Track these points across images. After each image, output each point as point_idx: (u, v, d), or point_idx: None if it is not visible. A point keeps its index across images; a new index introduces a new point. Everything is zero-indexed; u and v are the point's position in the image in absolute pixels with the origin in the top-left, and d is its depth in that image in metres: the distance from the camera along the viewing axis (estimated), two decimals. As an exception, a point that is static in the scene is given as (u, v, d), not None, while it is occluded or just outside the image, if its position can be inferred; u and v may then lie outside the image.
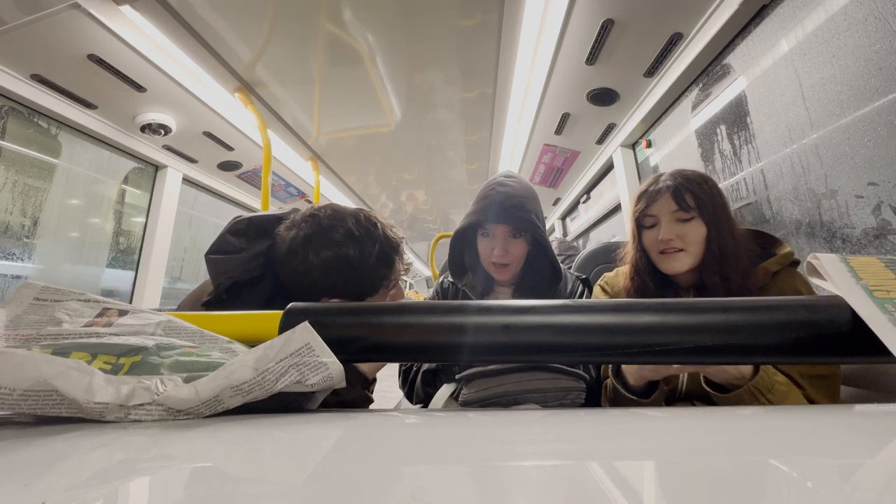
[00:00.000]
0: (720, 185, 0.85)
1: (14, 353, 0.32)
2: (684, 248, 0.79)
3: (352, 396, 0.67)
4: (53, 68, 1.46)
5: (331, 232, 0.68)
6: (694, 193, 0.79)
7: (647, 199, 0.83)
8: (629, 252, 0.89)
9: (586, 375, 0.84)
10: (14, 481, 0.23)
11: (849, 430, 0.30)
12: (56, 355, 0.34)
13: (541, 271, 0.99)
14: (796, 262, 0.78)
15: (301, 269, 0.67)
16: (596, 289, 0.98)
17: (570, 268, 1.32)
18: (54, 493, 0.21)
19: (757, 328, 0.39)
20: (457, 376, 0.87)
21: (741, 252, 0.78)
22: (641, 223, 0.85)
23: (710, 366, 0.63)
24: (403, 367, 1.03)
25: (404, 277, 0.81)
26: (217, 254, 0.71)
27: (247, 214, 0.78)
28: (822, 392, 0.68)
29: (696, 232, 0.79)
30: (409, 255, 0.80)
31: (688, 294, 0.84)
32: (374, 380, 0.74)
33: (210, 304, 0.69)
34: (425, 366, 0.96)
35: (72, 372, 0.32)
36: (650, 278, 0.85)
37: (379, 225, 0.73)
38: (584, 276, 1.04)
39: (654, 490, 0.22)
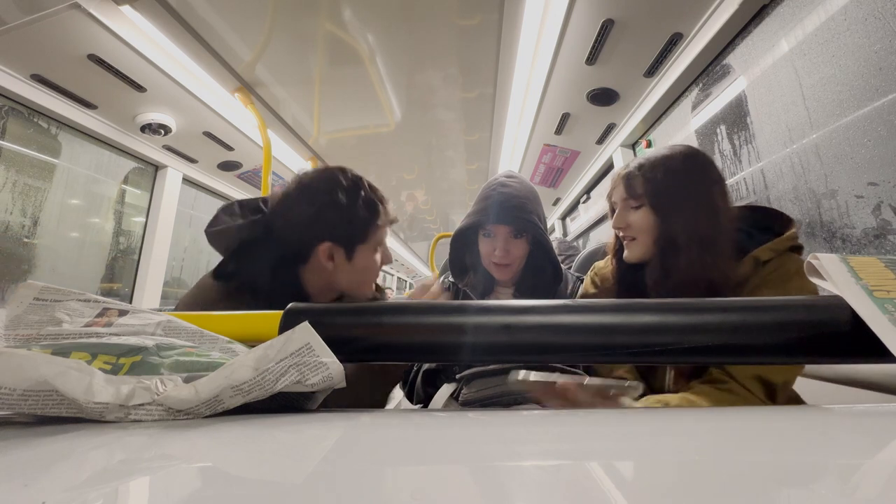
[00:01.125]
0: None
1: (14, 353, 0.32)
2: (635, 236, 0.77)
3: (371, 397, 0.71)
4: (53, 68, 1.46)
5: (321, 183, 0.77)
6: (646, 179, 0.74)
7: (611, 185, 0.84)
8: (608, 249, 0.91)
9: (586, 377, 0.83)
10: (14, 481, 0.23)
11: (849, 430, 0.30)
12: (56, 355, 0.33)
13: (542, 271, 0.99)
14: (797, 248, 0.70)
15: (297, 219, 0.75)
16: (586, 279, 0.97)
17: (570, 268, 1.31)
18: (54, 493, 0.21)
19: (757, 328, 0.39)
20: (457, 376, 0.87)
21: (707, 241, 0.70)
22: (612, 208, 0.85)
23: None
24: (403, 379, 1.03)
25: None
26: (215, 226, 0.77)
27: (234, 200, 0.84)
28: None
29: (643, 220, 0.75)
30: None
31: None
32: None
33: (218, 274, 0.74)
34: (426, 366, 0.97)
35: (72, 372, 0.32)
36: (620, 263, 0.83)
37: (363, 179, 0.80)
38: (583, 277, 1.03)
39: (655, 490, 0.22)
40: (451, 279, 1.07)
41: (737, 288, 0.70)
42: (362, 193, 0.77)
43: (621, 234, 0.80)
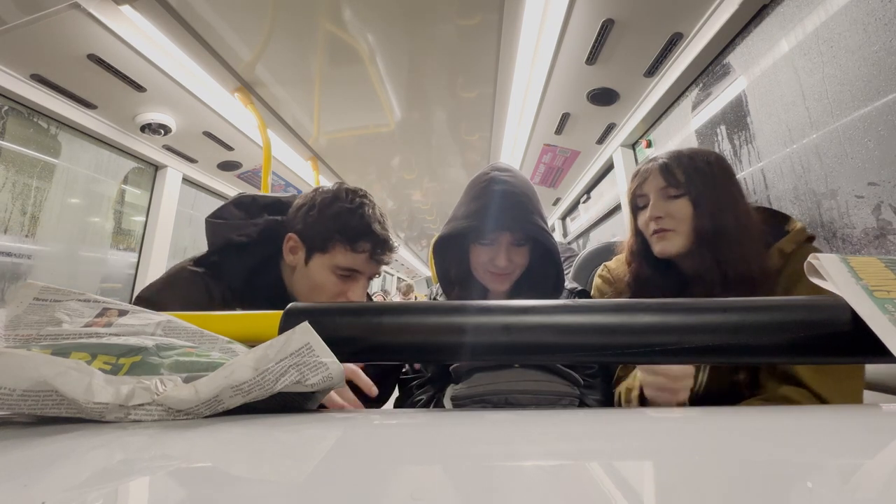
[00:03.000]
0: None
1: (14, 354, 0.32)
2: (674, 227, 0.74)
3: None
4: (53, 68, 1.45)
5: (323, 192, 0.81)
6: (684, 168, 0.74)
7: (639, 177, 0.80)
8: (627, 237, 0.86)
9: (581, 381, 0.81)
10: (14, 481, 0.23)
11: (849, 430, 0.30)
12: (56, 355, 0.33)
13: (542, 280, 0.87)
14: (811, 238, 0.73)
15: (290, 215, 0.83)
16: (596, 279, 0.92)
17: (567, 271, 1.30)
18: (54, 493, 0.21)
19: (757, 328, 0.39)
20: (450, 368, 0.84)
21: (748, 234, 0.71)
22: (636, 204, 0.82)
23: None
24: (401, 393, 0.94)
25: (393, 271, 0.87)
26: (217, 218, 0.80)
27: (253, 192, 0.84)
28: (836, 392, 0.64)
29: (684, 209, 0.74)
30: (399, 256, 0.85)
31: (695, 283, 0.78)
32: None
33: (199, 262, 0.78)
34: (424, 397, 0.88)
35: (71, 372, 0.32)
36: (646, 263, 0.80)
37: (366, 205, 0.80)
38: (579, 288, 0.93)
39: (655, 490, 0.22)
40: (441, 292, 0.97)
41: (772, 278, 0.71)
42: (345, 208, 0.78)
43: (657, 225, 0.76)
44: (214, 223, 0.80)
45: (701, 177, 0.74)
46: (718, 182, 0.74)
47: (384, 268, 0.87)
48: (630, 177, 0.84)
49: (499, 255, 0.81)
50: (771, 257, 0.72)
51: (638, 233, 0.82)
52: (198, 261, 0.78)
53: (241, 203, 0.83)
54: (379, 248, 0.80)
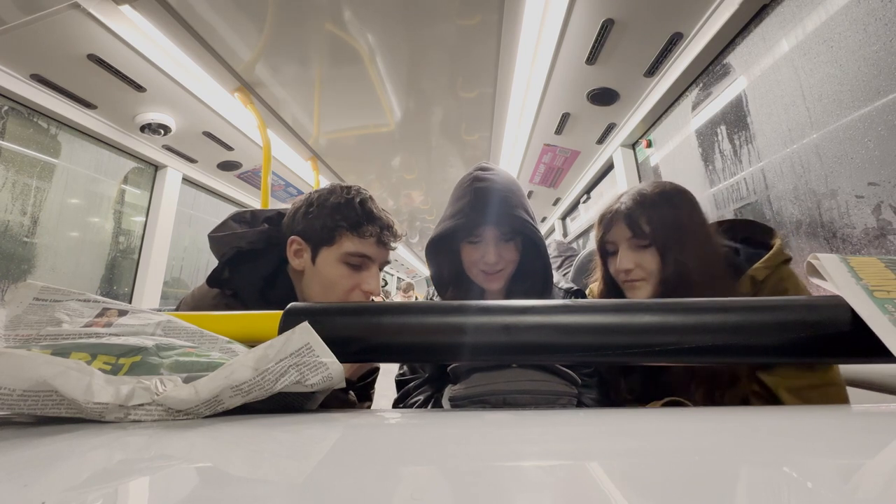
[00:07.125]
0: (719, 186, 0.80)
1: (14, 354, 0.32)
2: (645, 277, 0.73)
3: (331, 401, 0.69)
4: (53, 68, 1.46)
5: (318, 192, 0.80)
6: (648, 217, 0.72)
7: (604, 225, 0.78)
8: (597, 279, 0.84)
9: (579, 380, 0.81)
10: (14, 481, 0.23)
11: (849, 430, 0.30)
12: (56, 356, 0.33)
13: (532, 275, 0.87)
14: (788, 260, 0.70)
15: (287, 220, 0.81)
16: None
17: (568, 271, 1.29)
18: (54, 493, 0.21)
19: (757, 328, 0.39)
20: (448, 368, 0.84)
21: (710, 274, 0.70)
22: (605, 249, 0.80)
23: None
24: (399, 394, 0.93)
25: (393, 271, 0.85)
26: (219, 232, 0.79)
27: (250, 208, 0.83)
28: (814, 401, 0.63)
29: (653, 260, 0.72)
30: (402, 252, 0.83)
31: None
32: (358, 382, 0.78)
33: (211, 281, 0.75)
34: (422, 398, 0.87)
35: (71, 372, 0.32)
36: None
37: (361, 195, 0.79)
38: (575, 288, 0.93)
39: (654, 490, 0.22)
40: (437, 294, 0.97)
41: None
42: (344, 199, 0.76)
43: (627, 276, 0.75)
44: (219, 237, 0.78)
45: (665, 226, 0.72)
46: (683, 226, 0.72)
47: (384, 268, 0.86)
48: (597, 218, 0.82)
49: (488, 251, 0.82)
50: (741, 286, 0.69)
51: (608, 279, 0.81)
52: (211, 279, 0.76)
53: (242, 218, 0.83)
54: (386, 231, 0.78)
